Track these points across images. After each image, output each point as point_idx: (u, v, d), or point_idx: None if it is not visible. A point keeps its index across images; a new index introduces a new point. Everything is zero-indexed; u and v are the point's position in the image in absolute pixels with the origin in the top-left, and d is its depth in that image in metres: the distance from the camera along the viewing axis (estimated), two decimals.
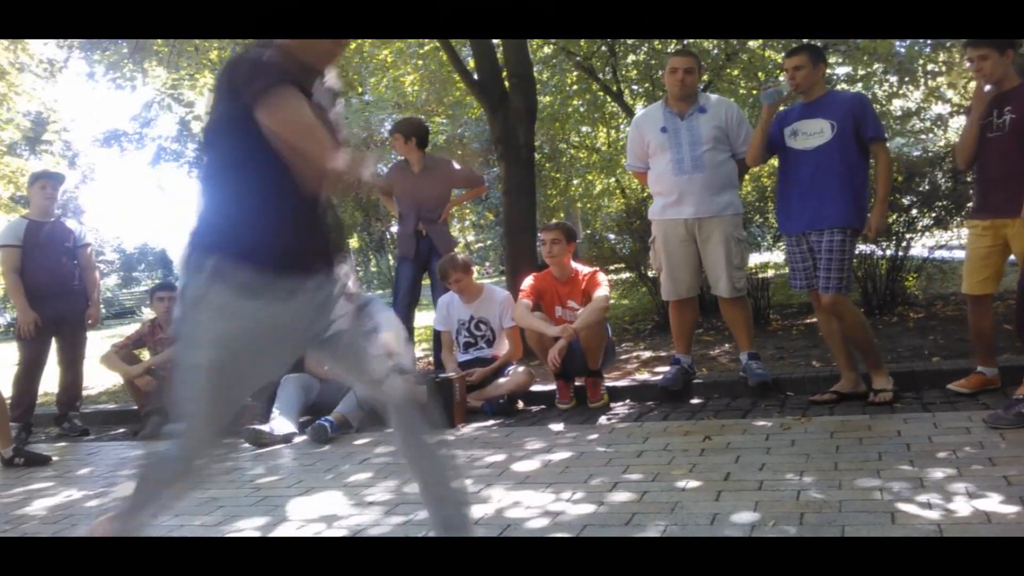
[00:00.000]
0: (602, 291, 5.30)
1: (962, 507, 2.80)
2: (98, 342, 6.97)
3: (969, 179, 6.33)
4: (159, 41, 8.71)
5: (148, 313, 7.09)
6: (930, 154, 7.93)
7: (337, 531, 3.28)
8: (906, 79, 11.02)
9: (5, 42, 11.93)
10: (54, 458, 5.35)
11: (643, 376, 5.73)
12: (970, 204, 5.19)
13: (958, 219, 7.06)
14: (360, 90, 13.25)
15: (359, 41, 10.41)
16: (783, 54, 5.02)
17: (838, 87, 10.16)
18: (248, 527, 3.46)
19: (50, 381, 6.55)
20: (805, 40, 5.77)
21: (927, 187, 7.23)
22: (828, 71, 10.50)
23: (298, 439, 5.22)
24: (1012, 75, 4.25)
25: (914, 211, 7.25)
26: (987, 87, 4.25)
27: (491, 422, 5.16)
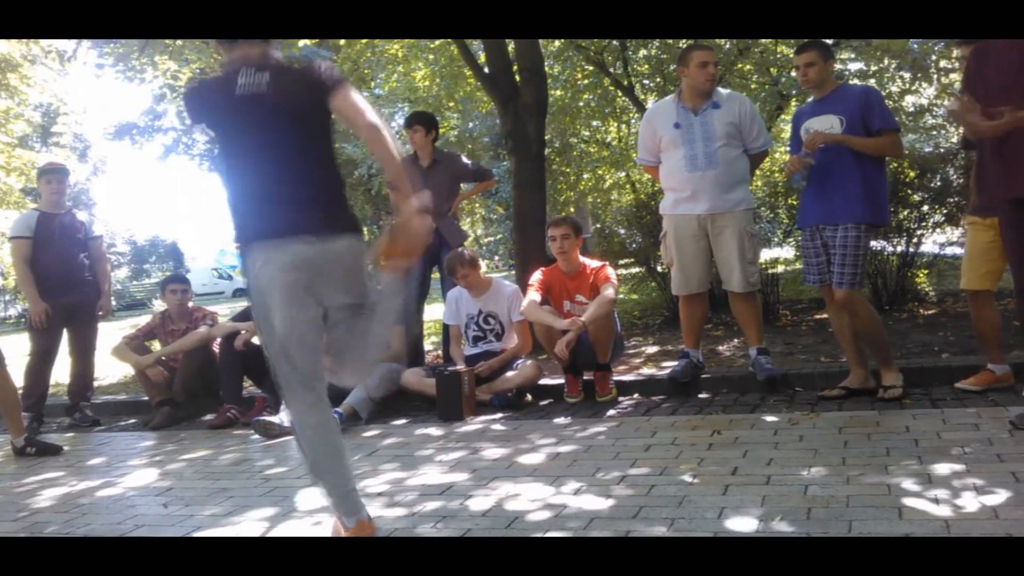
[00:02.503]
0: (610, 285, 5.29)
1: (970, 503, 2.79)
2: (109, 333, 7.00)
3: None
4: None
5: (159, 305, 7.12)
6: (942, 150, 7.91)
7: None
8: (919, 75, 10.95)
9: None
10: (65, 448, 5.38)
11: (651, 370, 5.73)
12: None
13: None
14: (372, 84, 13.25)
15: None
16: (795, 50, 5.01)
17: (852, 81, 10.12)
18: (257, 517, 3.48)
19: (62, 372, 6.59)
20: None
21: (939, 183, 7.21)
22: (840, 67, 10.48)
23: None
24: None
25: (925, 207, 7.23)
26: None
27: (499, 415, 5.17)
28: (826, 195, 4.56)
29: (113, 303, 6.85)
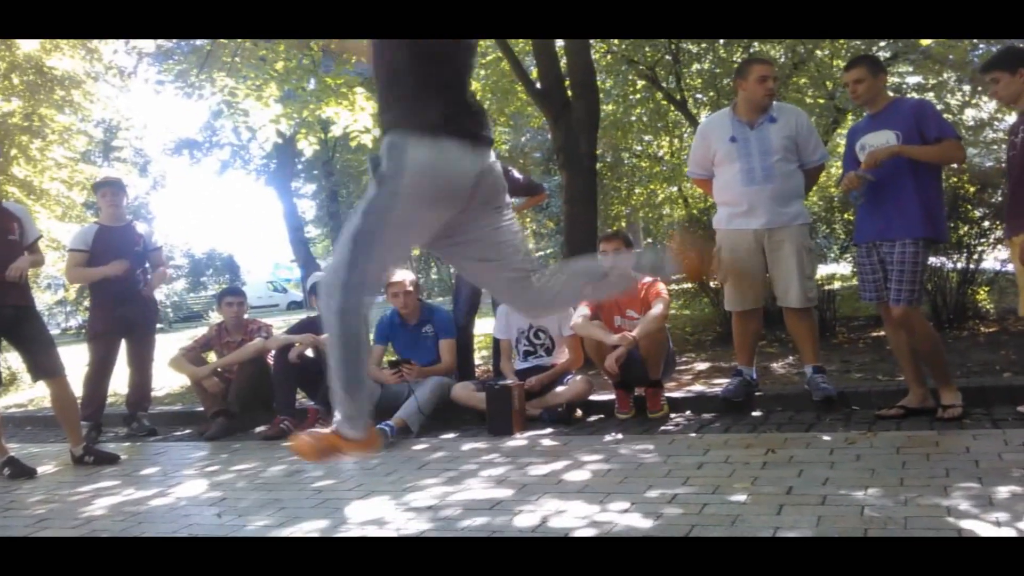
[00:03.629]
0: (661, 300, 5.26)
1: None
2: (167, 345, 7.13)
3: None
4: (227, 52, 8.88)
5: (215, 317, 7.25)
6: (1003, 164, 7.72)
7: (393, 534, 3.30)
8: (979, 88, 10.76)
9: (82, 52, 12.29)
10: (122, 457, 5.48)
11: (703, 387, 5.67)
12: None
13: None
14: None
15: None
16: (845, 65, 4.95)
17: (910, 95, 9.97)
18: (308, 529, 3.50)
19: (120, 382, 6.71)
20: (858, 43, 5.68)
21: (999, 198, 7.04)
22: (898, 80, 10.32)
23: None
24: None
25: (986, 223, 7.07)
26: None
27: (549, 430, 5.15)
28: (882, 210, 4.48)
29: (170, 315, 6.98)
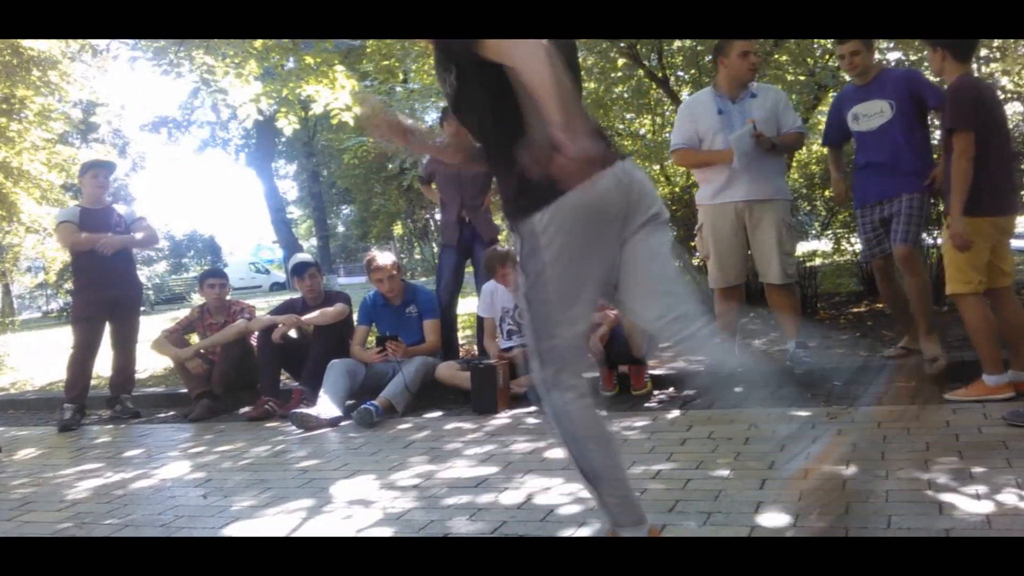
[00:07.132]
0: None
1: (1011, 500, 2.75)
2: (150, 327, 7.09)
3: None
4: None
5: (197, 299, 7.21)
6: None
7: (379, 513, 3.32)
8: None
9: None
10: (106, 439, 5.46)
11: (686, 364, 5.69)
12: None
13: None
14: (402, 78, 13.25)
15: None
16: (832, 40, 5.00)
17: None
18: (294, 508, 3.51)
19: (102, 365, 6.68)
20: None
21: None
22: (878, 56, 10.33)
23: (344, 423, 5.28)
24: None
25: None
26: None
27: (533, 408, 5.17)
28: (883, 174, 4.71)
29: (152, 296, 6.97)
